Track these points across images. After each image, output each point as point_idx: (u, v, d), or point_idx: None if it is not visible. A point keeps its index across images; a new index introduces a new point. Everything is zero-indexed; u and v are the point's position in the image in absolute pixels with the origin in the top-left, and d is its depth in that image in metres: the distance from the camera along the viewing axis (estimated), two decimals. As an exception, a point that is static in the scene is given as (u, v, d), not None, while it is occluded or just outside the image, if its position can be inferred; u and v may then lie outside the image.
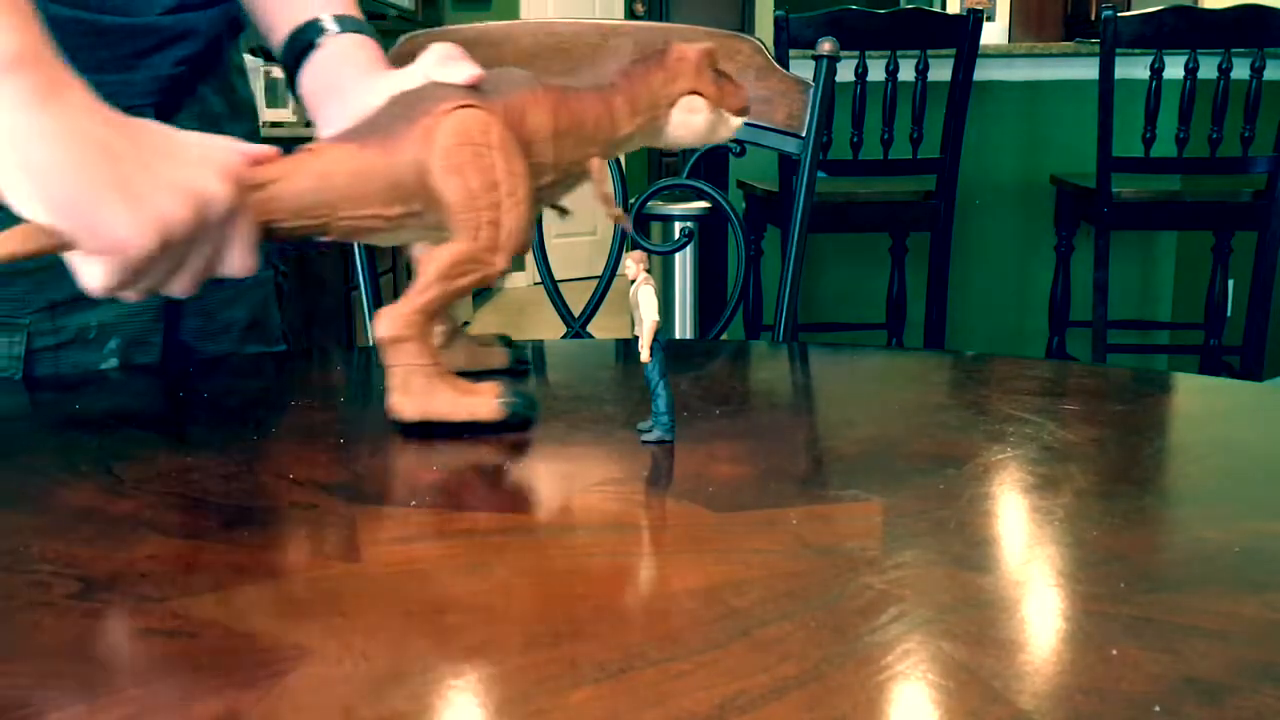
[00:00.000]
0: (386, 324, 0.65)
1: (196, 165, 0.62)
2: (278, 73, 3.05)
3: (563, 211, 0.78)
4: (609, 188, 0.72)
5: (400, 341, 0.65)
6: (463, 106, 0.67)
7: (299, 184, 0.65)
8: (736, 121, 0.76)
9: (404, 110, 0.67)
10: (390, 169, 0.66)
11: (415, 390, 0.65)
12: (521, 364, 0.81)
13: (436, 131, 0.66)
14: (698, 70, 0.73)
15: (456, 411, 0.66)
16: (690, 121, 0.74)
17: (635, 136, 0.74)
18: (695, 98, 0.73)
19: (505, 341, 0.83)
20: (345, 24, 0.83)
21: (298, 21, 0.83)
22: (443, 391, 0.66)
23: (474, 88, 0.68)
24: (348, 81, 0.81)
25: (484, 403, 0.66)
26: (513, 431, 0.66)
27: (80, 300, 0.86)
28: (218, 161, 0.63)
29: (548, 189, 0.72)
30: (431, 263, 0.66)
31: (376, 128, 0.67)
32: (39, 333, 0.84)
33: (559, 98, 0.70)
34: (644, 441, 0.63)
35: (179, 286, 0.65)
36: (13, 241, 0.59)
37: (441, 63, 0.70)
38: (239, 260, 0.65)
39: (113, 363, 0.88)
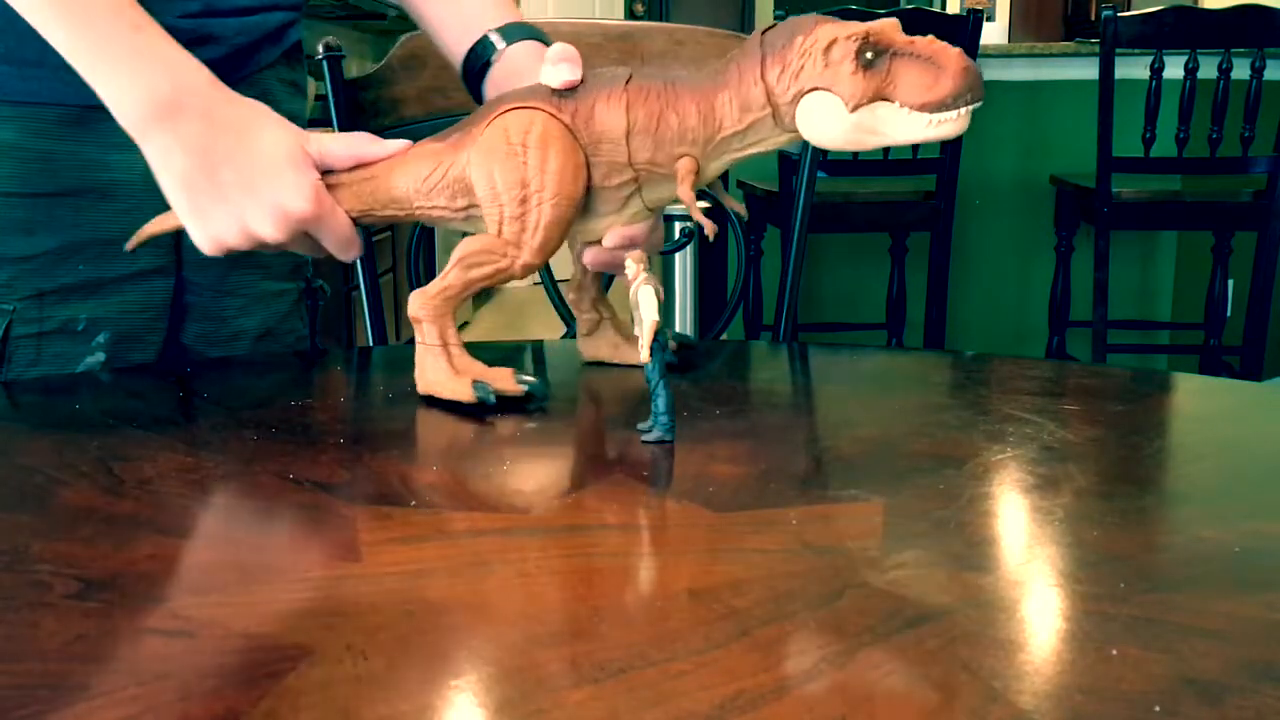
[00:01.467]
0: (411, 304, 0.71)
1: (289, 186, 0.72)
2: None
3: (725, 213, 0.76)
4: (686, 191, 0.69)
5: (417, 322, 0.71)
6: (518, 108, 0.70)
7: (387, 179, 0.73)
8: (936, 117, 0.62)
9: (483, 111, 0.73)
10: (452, 165, 0.72)
11: (423, 368, 0.71)
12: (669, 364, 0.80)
13: (482, 132, 0.71)
14: (825, 62, 0.63)
15: (442, 391, 0.70)
16: (823, 124, 0.64)
17: (753, 135, 0.68)
18: (822, 95, 0.63)
19: (680, 339, 0.84)
20: (511, 34, 0.87)
21: (469, 43, 0.87)
22: (440, 371, 0.70)
23: (563, 90, 0.70)
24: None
25: (461, 387, 0.70)
26: (520, 413, 0.70)
27: (71, 292, 0.86)
28: (308, 183, 0.72)
29: (635, 188, 0.71)
30: (457, 251, 0.70)
31: (460, 127, 0.73)
32: (22, 320, 0.84)
33: (643, 96, 0.69)
34: (644, 441, 0.63)
35: (310, 253, 0.76)
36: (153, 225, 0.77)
37: (548, 64, 0.71)
38: (339, 251, 0.75)
39: (100, 357, 0.87)
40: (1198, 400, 0.79)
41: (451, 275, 0.70)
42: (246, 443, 0.65)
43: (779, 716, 0.36)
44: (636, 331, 0.64)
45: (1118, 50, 2.59)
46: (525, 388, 0.71)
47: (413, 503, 0.55)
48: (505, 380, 0.70)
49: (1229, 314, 3.05)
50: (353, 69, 1.26)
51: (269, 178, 0.72)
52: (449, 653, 0.41)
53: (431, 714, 0.37)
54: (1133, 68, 3.04)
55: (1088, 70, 3.10)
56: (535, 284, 1.24)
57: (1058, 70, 3.28)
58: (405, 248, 1.17)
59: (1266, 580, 0.47)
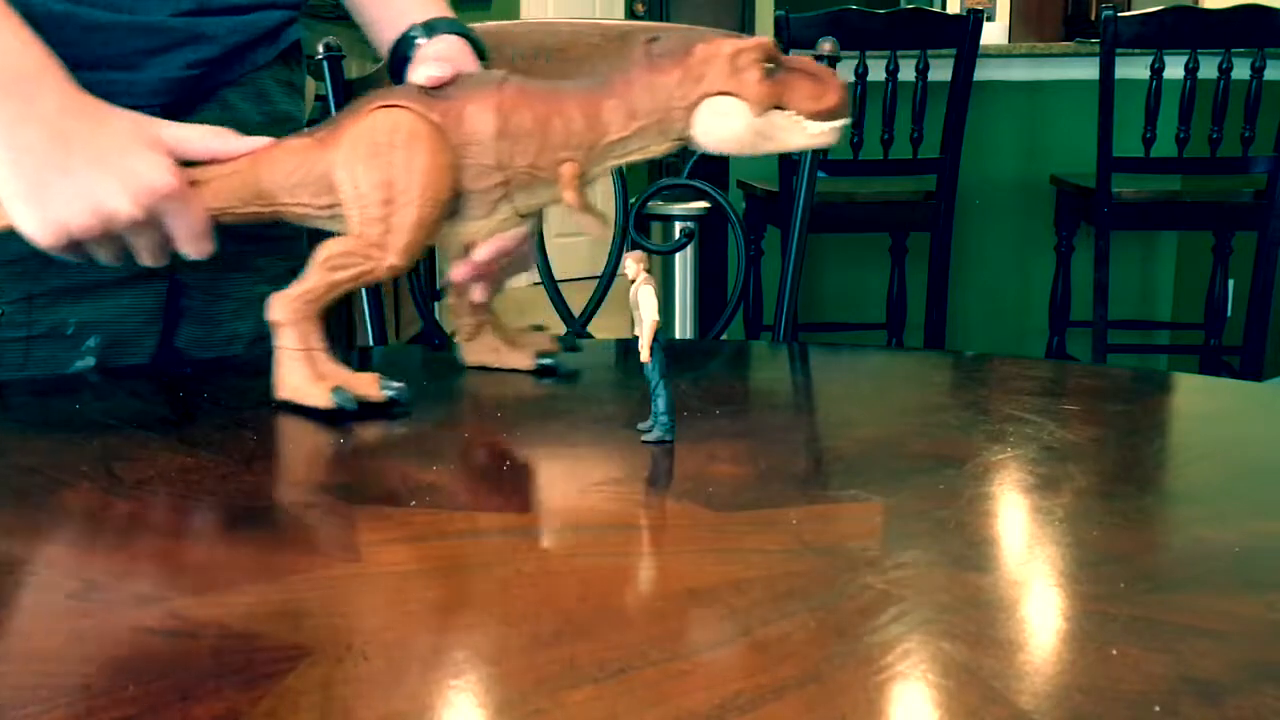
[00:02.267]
0: (272, 308, 0.70)
1: (145, 161, 0.69)
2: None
3: (593, 216, 0.74)
4: (573, 195, 0.69)
5: (278, 326, 0.69)
6: (385, 106, 0.69)
7: (253, 174, 0.71)
8: (819, 127, 0.66)
9: (352, 108, 0.71)
10: (316, 163, 0.70)
11: (283, 373, 0.70)
12: (546, 366, 0.79)
13: (349, 129, 0.70)
14: (731, 69, 0.65)
15: (303, 397, 0.69)
16: (724, 126, 0.66)
17: (636, 141, 0.69)
18: (726, 99, 0.66)
19: (565, 342, 0.82)
20: (434, 29, 0.85)
21: (395, 38, 0.87)
22: (300, 376, 0.69)
23: (435, 88, 0.69)
24: None
25: (320, 392, 0.68)
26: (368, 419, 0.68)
27: (61, 296, 0.85)
28: (165, 161, 0.69)
29: (505, 192, 0.70)
30: (320, 252, 0.69)
31: (330, 123, 0.72)
32: (11, 323, 0.83)
33: (520, 99, 0.68)
34: (644, 441, 0.63)
35: (144, 258, 0.73)
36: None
37: (419, 63, 0.70)
38: (190, 243, 0.72)
39: (89, 362, 0.86)
40: (1198, 400, 0.79)
41: (313, 278, 0.69)
42: (246, 443, 0.65)
43: (779, 716, 0.36)
44: (637, 331, 0.64)
45: (1118, 50, 2.59)
46: (388, 394, 0.69)
47: (413, 503, 0.55)
48: (368, 386, 0.69)
49: (1229, 314, 3.05)
50: (353, 69, 1.26)
51: (124, 153, 0.69)
52: (449, 653, 0.41)
53: (431, 714, 0.37)
54: (1133, 68, 3.04)
55: (1088, 70, 3.10)
56: (535, 284, 1.24)
57: (1058, 70, 3.28)
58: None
59: (1266, 580, 0.47)
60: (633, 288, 0.65)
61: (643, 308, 0.64)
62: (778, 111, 0.66)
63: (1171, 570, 0.49)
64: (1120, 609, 0.43)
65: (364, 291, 1.14)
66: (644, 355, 0.63)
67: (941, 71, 2.83)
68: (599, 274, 1.16)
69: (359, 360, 0.92)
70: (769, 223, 3.03)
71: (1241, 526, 0.52)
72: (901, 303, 3.02)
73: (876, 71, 2.80)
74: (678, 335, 3.26)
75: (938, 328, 2.99)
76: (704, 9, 6.74)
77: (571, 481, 0.60)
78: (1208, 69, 2.68)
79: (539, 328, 0.84)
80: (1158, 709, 0.36)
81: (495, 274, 0.77)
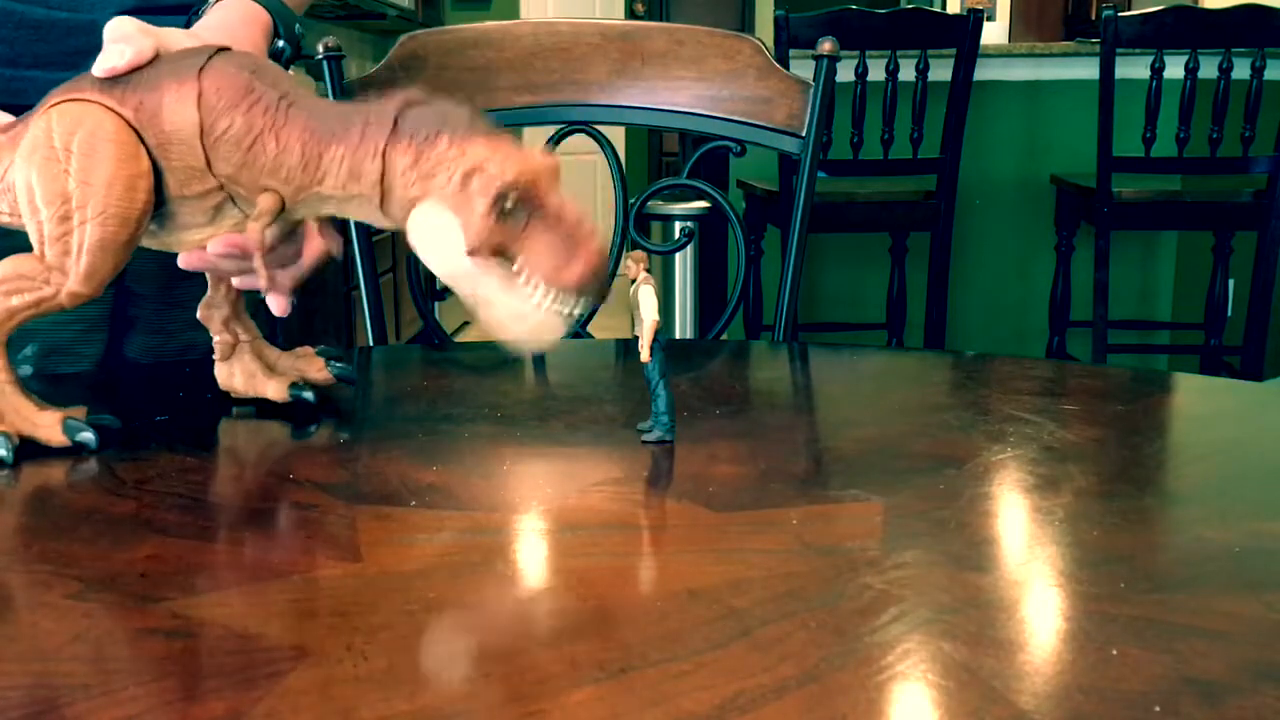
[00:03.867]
0: None
1: None
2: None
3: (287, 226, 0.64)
4: (256, 232, 0.58)
5: None
6: (66, 100, 0.59)
7: None
8: (539, 299, 0.55)
9: (44, 100, 0.61)
10: (8, 163, 0.61)
11: None
12: (300, 395, 0.69)
13: (27, 130, 0.60)
14: (461, 185, 0.54)
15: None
16: (433, 248, 0.55)
17: (355, 207, 0.58)
18: (444, 216, 0.54)
19: (340, 370, 0.71)
20: None
21: None
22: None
23: (122, 77, 0.59)
24: None
25: (49, 425, 0.61)
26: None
27: None
28: None
29: (224, 196, 0.60)
30: None
31: (25, 117, 0.62)
32: None
33: (230, 92, 0.57)
34: (644, 441, 0.63)
35: None
36: None
37: (105, 44, 0.60)
38: None
39: (26, 370, 0.83)
40: (1198, 400, 0.79)
41: None
42: (246, 443, 0.65)
43: (779, 716, 0.36)
44: (637, 331, 0.64)
45: (1118, 50, 2.59)
46: (78, 440, 0.61)
47: (413, 503, 0.55)
48: (51, 431, 0.61)
49: (1229, 314, 3.05)
50: (352, 69, 1.26)
51: None
52: (449, 653, 0.41)
53: (431, 714, 0.37)
54: (1133, 68, 3.04)
55: (1088, 70, 3.11)
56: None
57: (1058, 70, 3.28)
58: (405, 248, 1.17)
59: (1266, 580, 0.47)
60: (633, 288, 0.64)
61: (643, 308, 0.63)
62: (497, 261, 0.55)
63: (1171, 570, 0.49)
64: (1120, 609, 0.43)
65: (364, 291, 1.14)
66: (644, 355, 0.63)
67: (941, 71, 2.83)
68: (599, 274, 1.16)
69: (359, 360, 0.92)
70: (769, 223, 3.03)
71: (1241, 526, 0.52)
72: (901, 303, 3.02)
73: (876, 71, 2.80)
74: (678, 335, 3.26)
75: (938, 328, 2.99)
76: (704, 9, 6.74)
77: (571, 481, 0.60)
78: (1208, 69, 2.68)
79: (325, 352, 0.72)
80: (1158, 709, 0.36)
81: (251, 277, 0.65)
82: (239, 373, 0.69)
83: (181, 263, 0.65)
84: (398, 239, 3.69)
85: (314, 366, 0.68)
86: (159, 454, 0.62)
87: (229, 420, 0.70)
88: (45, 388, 0.80)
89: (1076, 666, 0.39)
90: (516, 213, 0.54)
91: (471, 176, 0.53)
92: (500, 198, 0.53)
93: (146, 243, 0.62)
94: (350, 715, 0.36)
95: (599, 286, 0.55)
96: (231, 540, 0.51)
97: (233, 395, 0.70)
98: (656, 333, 0.63)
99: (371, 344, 1.13)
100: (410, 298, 1.19)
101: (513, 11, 6.33)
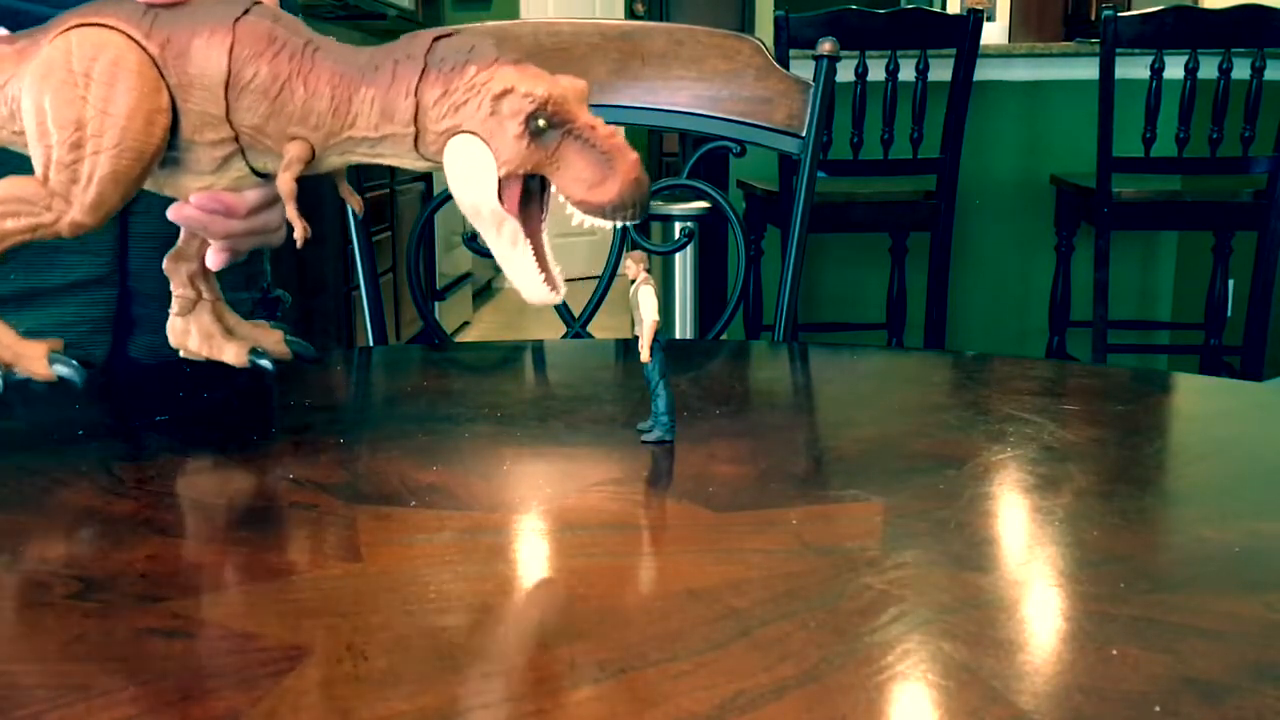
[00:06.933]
0: None
1: None
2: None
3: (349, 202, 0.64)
4: (288, 182, 0.57)
5: None
6: (90, 24, 0.56)
7: None
8: (574, 216, 0.55)
9: (59, 19, 0.58)
10: (13, 78, 0.58)
11: None
12: (258, 363, 0.67)
13: (41, 48, 0.57)
14: (491, 110, 0.54)
15: None
16: (465, 177, 0.55)
17: (387, 148, 0.58)
18: (475, 144, 0.54)
19: (298, 346, 0.69)
20: None
21: None
22: None
23: (157, 6, 0.57)
24: None
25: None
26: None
27: (2, 304, 0.82)
28: None
29: (236, 148, 0.59)
30: None
31: (40, 30, 0.59)
32: None
33: (261, 45, 0.56)
34: (644, 441, 0.63)
35: None
36: None
37: None
38: None
39: None
40: (1198, 400, 0.79)
41: None
42: (246, 443, 0.65)
43: (779, 716, 0.36)
44: (637, 331, 0.63)
45: (1118, 50, 2.59)
46: (59, 374, 0.60)
47: (413, 503, 0.55)
48: (36, 362, 0.60)
49: (1229, 314, 3.05)
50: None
51: None
52: (449, 653, 0.41)
53: (431, 714, 0.37)
54: (1133, 68, 3.04)
55: (1088, 70, 3.10)
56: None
57: (1058, 70, 3.28)
58: (405, 248, 1.17)
59: (1266, 580, 0.47)
60: (632, 287, 0.64)
61: (643, 308, 0.63)
62: (518, 219, 0.56)
63: (1171, 570, 0.49)
64: (1120, 609, 0.43)
65: (364, 292, 1.14)
66: (644, 355, 0.63)
67: (941, 71, 2.83)
68: (599, 274, 1.16)
69: (359, 360, 0.92)
70: (769, 223, 3.03)
71: (1241, 526, 0.52)
72: (901, 303, 3.02)
73: (876, 71, 2.80)
74: (678, 335, 3.26)
75: (938, 328, 2.99)
76: (704, 9, 6.74)
77: (571, 481, 0.60)
78: (1208, 69, 2.68)
79: (282, 326, 0.71)
80: (1158, 709, 0.36)
81: (228, 238, 0.65)
82: (195, 332, 0.67)
83: (171, 214, 0.64)
84: (398, 239, 3.66)
85: (272, 338, 0.67)
86: (159, 454, 0.62)
87: (229, 420, 0.70)
88: (50, 388, 0.80)
89: (1076, 666, 0.39)
90: (549, 133, 0.54)
91: (502, 99, 0.53)
92: (532, 117, 0.53)
93: (147, 185, 0.61)
94: (350, 715, 0.36)
95: (637, 201, 0.54)
96: (231, 540, 0.51)
97: (183, 354, 0.68)
98: (656, 333, 0.63)
99: (371, 344, 1.13)
100: (410, 298, 1.19)
101: (513, 11, 6.33)
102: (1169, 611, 0.43)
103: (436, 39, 0.57)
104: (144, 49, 0.56)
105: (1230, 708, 0.36)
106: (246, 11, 0.57)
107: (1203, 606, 0.44)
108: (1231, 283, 3.07)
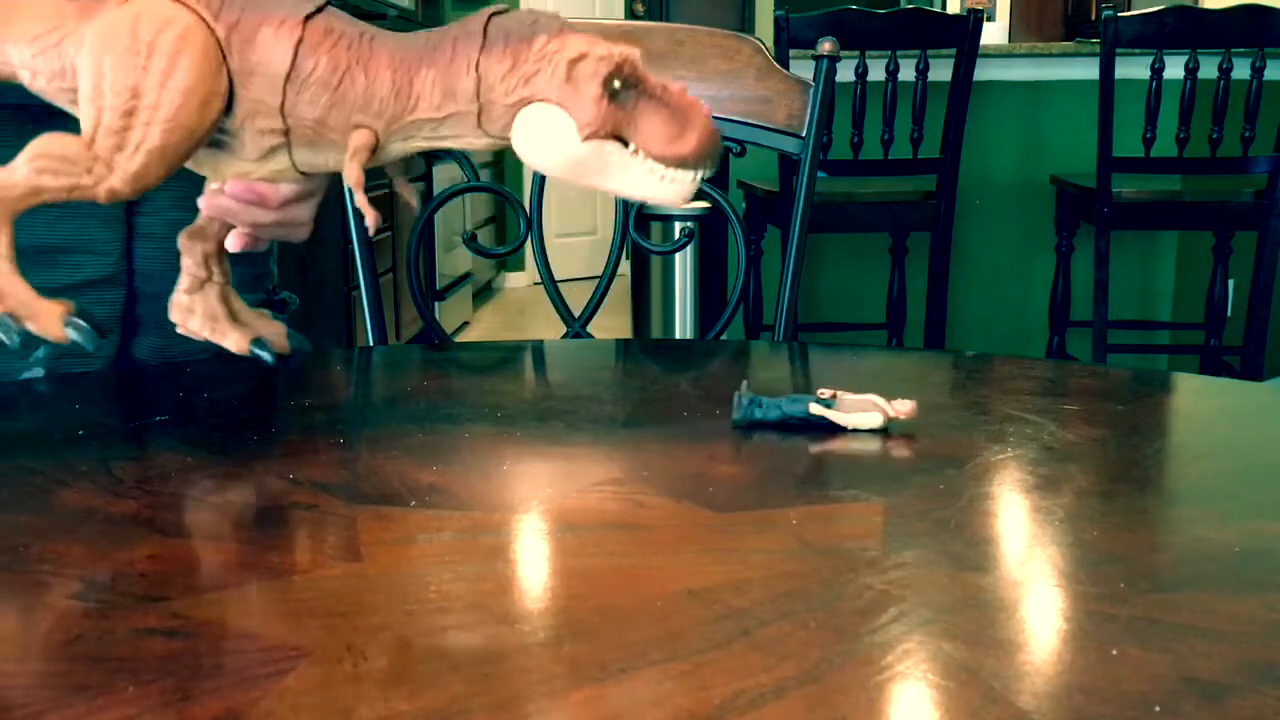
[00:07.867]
0: None
1: None
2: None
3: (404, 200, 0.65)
4: (356, 171, 0.57)
5: None
6: None
7: None
8: (661, 175, 0.56)
9: None
10: (71, 35, 0.58)
11: None
12: (258, 354, 0.68)
13: (111, 8, 0.57)
14: (566, 76, 0.55)
15: None
16: (543, 144, 0.56)
17: (450, 128, 0.58)
18: (553, 111, 0.55)
19: (297, 341, 0.70)
20: None
21: None
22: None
23: None
24: None
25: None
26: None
27: None
28: None
29: (284, 142, 0.59)
30: (33, 146, 0.57)
31: None
32: None
33: (327, 41, 0.57)
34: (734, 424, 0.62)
35: None
36: None
37: None
38: None
39: (38, 372, 0.84)
40: (1198, 400, 0.79)
41: (18, 172, 0.56)
42: (246, 443, 0.65)
43: (779, 716, 0.36)
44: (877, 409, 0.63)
45: (1118, 50, 2.59)
46: (71, 337, 0.59)
47: (413, 503, 0.55)
48: (50, 321, 0.59)
49: (1229, 314, 3.05)
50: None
51: None
52: (449, 653, 0.41)
53: (431, 714, 0.37)
54: (1133, 68, 3.05)
55: (1088, 70, 3.11)
56: (535, 284, 1.23)
57: (1058, 70, 3.28)
58: (405, 247, 1.17)
59: (1266, 580, 0.47)
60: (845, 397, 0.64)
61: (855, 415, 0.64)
62: (614, 144, 0.56)
63: (1171, 570, 0.49)
64: (1120, 609, 0.43)
65: (364, 291, 1.14)
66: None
67: (941, 71, 2.83)
68: (599, 274, 1.16)
69: (359, 360, 0.92)
70: (769, 223, 3.03)
71: (1241, 526, 0.52)
72: (901, 303, 3.02)
73: (876, 71, 2.80)
74: (678, 335, 3.26)
75: (938, 328, 2.99)
76: (704, 9, 6.74)
77: (571, 481, 0.60)
78: (1208, 69, 2.68)
79: (281, 318, 0.71)
80: (1158, 709, 0.36)
81: (254, 227, 0.66)
82: (200, 312, 0.67)
83: (202, 204, 0.64)
84: (398, 239, 3.65)
85: (274, 330, 0.67)
86: (159, 454, 0.62)
87: (229, 420, 0.70)
88: (56, 388, 0.80)
89: (1076, 666, 0.39)
90: (625, 93, 0.55)
91: (577, 64, 0.54)
92: (610, 78, 0.54)
93: (189, 163, 0.61)
94: (350, 715, 0.36)
95: (714, 152, 0.56)
96: (231, 540, 0.51)
97: (181, 331, 0.68)
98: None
99: (371, 344, 1.13)
100: (410, 298, 1.19)
101: (513, 11, 6.32)
102: (1169, 611, 0.43)
103: (493, 15, 0.57)
104: (211, 29, 0.56)
105: (1230, 708, 0.36)
106: (319, 10, 0.58)
107: (1203, 606, 0.44)
108: (1231, 283, 3.07)
